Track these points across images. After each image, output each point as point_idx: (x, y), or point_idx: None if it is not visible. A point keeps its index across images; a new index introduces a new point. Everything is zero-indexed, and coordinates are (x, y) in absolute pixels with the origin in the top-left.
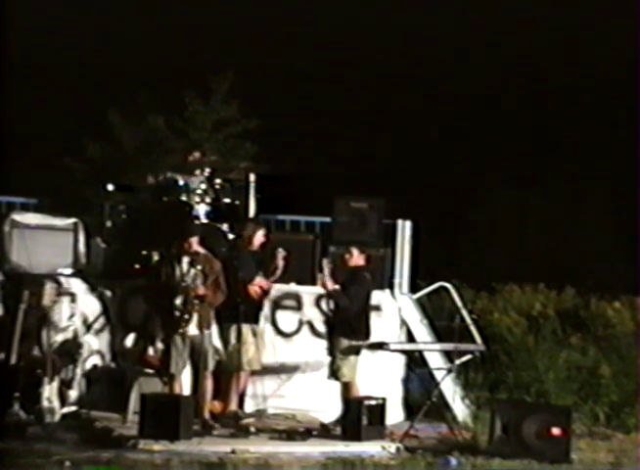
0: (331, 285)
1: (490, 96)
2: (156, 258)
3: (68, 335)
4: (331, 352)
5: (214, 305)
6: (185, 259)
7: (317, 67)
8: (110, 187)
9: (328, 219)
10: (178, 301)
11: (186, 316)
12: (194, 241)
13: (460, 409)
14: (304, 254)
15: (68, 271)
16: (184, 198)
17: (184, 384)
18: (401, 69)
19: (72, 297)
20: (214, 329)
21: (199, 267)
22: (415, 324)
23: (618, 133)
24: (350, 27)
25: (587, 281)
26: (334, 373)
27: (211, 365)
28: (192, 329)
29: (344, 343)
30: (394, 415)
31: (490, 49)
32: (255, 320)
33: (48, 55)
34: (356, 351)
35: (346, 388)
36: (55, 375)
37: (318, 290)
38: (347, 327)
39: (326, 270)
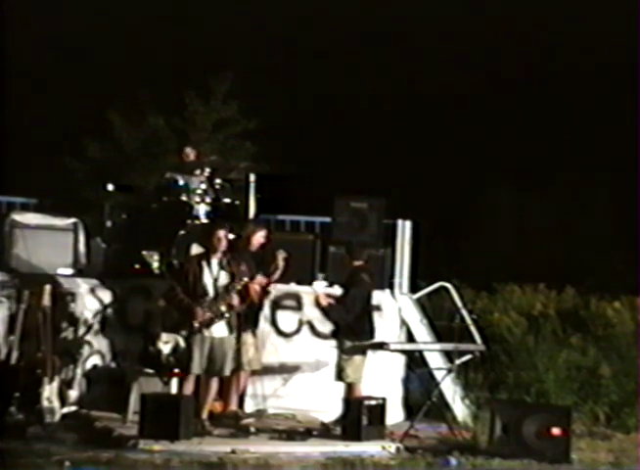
0: (325, 301)
1: (491, 96)
2: (155, 258)
3: (69, 335)
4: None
5: (240, 310)
6: (214, 261)
7: (317, 67)
8: (110, 187)
9: (328, 219)
10: (208, 305)
11: (216, 320)
12: (224, 236)
13: (460, 409)
14: (304, 254)
15: (69, 271)
16: (184, 198)
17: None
18: (401, 69)
19: (72, 297)
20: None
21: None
22: (415, 324)
23: (619, 134)
24: (351, 28)
25: (587, 281)
26: (339, 374)
27: (229, 369)
28: (217, 331)
29: (347, 344)
30: (394, 415)
31: (491, 49)
32: (255, 320)
33: (48, 55)
34: (361, 351)
35: (350, 389)
36: (55, 375)
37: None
38: (349, 329)
39: (319, 289)
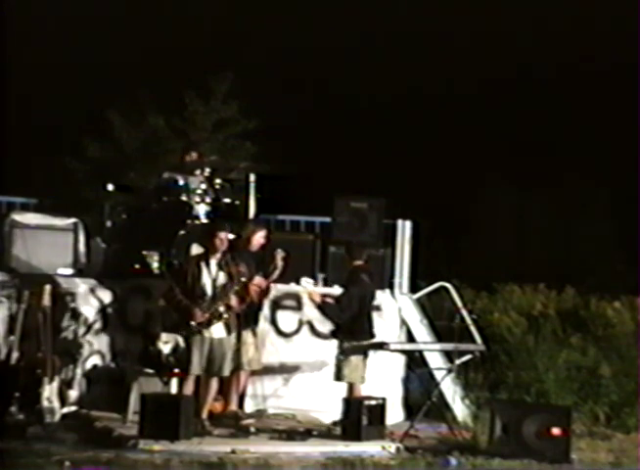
0: (317, 297)
1: (490, 96)
2: (155, 258)
3: (69, 335)
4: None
5: (239, 310)
6: (213, 262)
7: (317, 67)
8: (110, 187)
9: (328, 219)
10: (207, 306)
11: (214, 321)
12: (224, 237)
13: (460, 409)
14: (304, 254)
15: (69, 271)
16: (184, 198)
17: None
18: (401, 69)
19: (72, 297)
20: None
21: (228, 271)
22: (415, 324)
23: (619, 134)
24: (351, 28)
25: (587, 281)
26: (336, 374)
27: (228, 370)
28: (216, 332)
29: (345, 344)
30: (394, 415)
31: (491, 49)
32: (255, 320)
33: (48, 55)
34: (359, 351)
35: (350, 389)
36: (55, 375)
37: (318, 290)
38: (346, 328)
39: (308, 287)
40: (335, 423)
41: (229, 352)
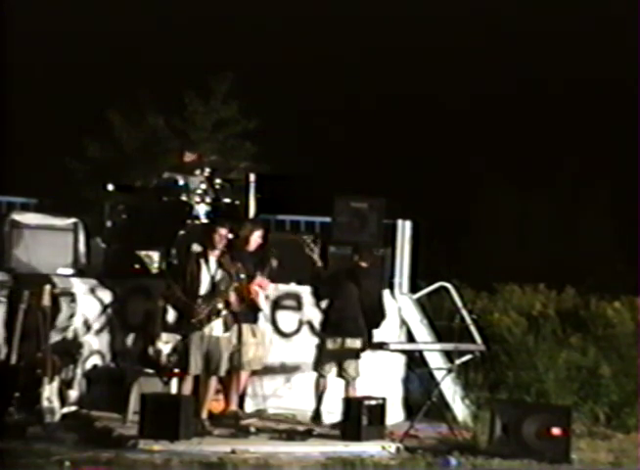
0: (320, 263)
1: (491, 96)
2: (156, 258)
3: (68, 335)
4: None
5: (237, 309)
6: (212, 259)
7: (317, 66)
8: (110, 187)
9: (328, 219)
10: (205, 303)
11: (213, 318)
12: (224, 233)
13: (460, 409)
14: (304, 254)
15: (69, 271)
16: (184, 198)
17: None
18: (402, 68)
19: (72, 297)
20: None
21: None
22: (415, 324)
23: (619, 133)
24: (351, 28)
25: (587, 281)
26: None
27: (224, 369)
28: (213, 330)
29: (329, 340)
30: (394, 415)
31: (491, 49)
32: (255, 320)
33: (48, 55)
34: (339, 351)
35: (316, 381)
36: (55, 375)
37: None
38: (329, 322)
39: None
40: (313, 418)
41: (225, 352)
